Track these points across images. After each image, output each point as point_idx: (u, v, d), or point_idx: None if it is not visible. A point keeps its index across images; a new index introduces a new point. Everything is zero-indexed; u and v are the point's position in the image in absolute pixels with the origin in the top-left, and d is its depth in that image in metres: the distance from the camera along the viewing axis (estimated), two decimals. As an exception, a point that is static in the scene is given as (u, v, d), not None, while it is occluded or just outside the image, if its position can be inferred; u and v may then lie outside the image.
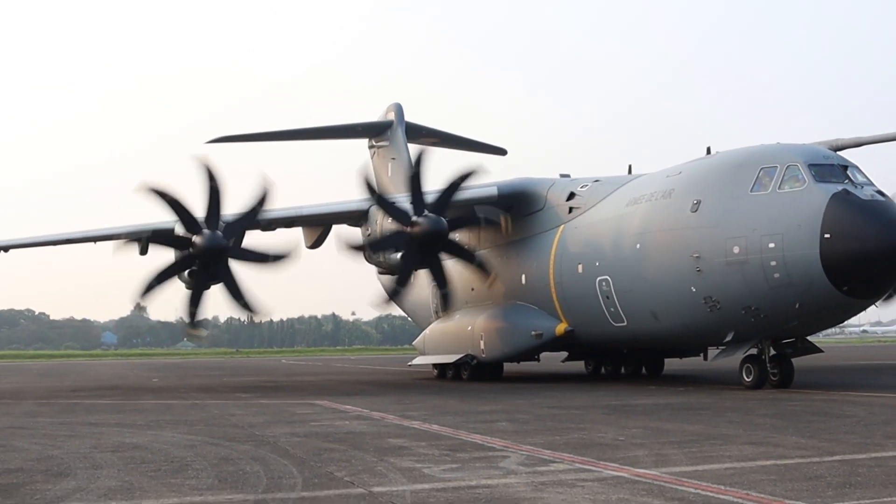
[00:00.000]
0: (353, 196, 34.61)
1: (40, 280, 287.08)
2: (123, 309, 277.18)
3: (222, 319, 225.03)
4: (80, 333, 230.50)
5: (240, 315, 40.70)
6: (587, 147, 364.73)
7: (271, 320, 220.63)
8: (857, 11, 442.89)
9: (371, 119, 51.85)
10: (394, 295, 35.12)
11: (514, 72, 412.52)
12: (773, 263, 24.89)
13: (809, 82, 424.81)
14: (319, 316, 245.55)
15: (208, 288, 32.26)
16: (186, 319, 32.67)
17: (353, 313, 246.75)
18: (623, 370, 38.83)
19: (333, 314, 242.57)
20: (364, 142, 52.72)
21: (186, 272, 32.03)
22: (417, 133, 50.49)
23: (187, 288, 32.40)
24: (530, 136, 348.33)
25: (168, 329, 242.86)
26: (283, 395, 30.61)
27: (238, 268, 32.27)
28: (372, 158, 51.95)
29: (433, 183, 33.26)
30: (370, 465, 12.83)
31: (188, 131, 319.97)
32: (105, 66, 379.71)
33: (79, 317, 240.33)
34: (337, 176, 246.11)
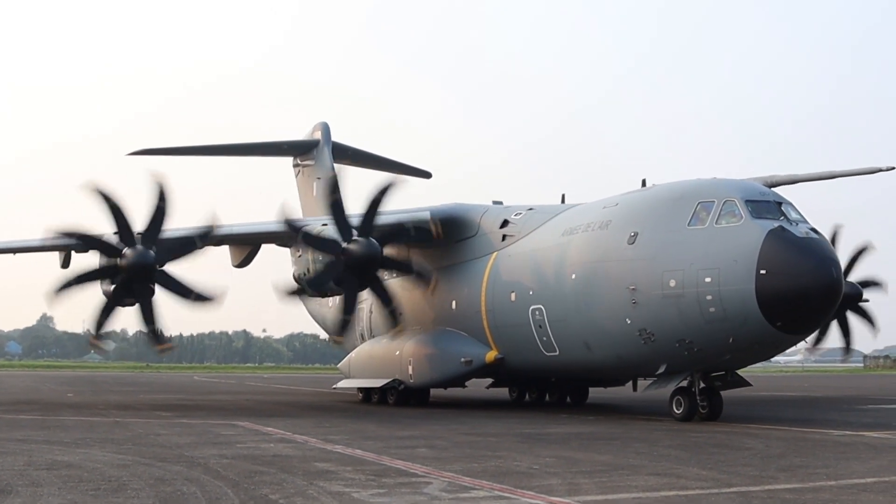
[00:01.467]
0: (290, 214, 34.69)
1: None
2: (29, 318, 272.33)
3: (131, 332, 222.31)
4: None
5: (193, 309, 39.61)
6: (514, 172, 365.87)
7: (181, 334, 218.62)
8: (796, 44, 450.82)
9: (296, 137, 51.77)
10: (343, 326, 33.71)
11: (439, 92, 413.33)
12: (708, 297, 25.14)
13: (741, 115, 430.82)
14: (230, 332, 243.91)
15: (124, 305, 32.02)
16: (93, 329, 32.15)
17: (264, 330, 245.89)
18: (547, 398, 39.03)
19: (245, 330, 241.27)
20: (289, 160, 52.57)
21: (108, 282, 31.83)
22: (343, 153, 50.25)
23: (105, 296, 31.99)
24: (455, 159, 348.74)
25: (75, 340, 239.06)
26: (203, 414, 30.72)
27: (158, 292, 31.96)
28: (297, 177, 51.82)
29: (357, 205, 33.11)
30: (301, 489, 13.44)
31: (106, 137, 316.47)
32: (22, 64, 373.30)
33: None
34: (258, 191, 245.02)
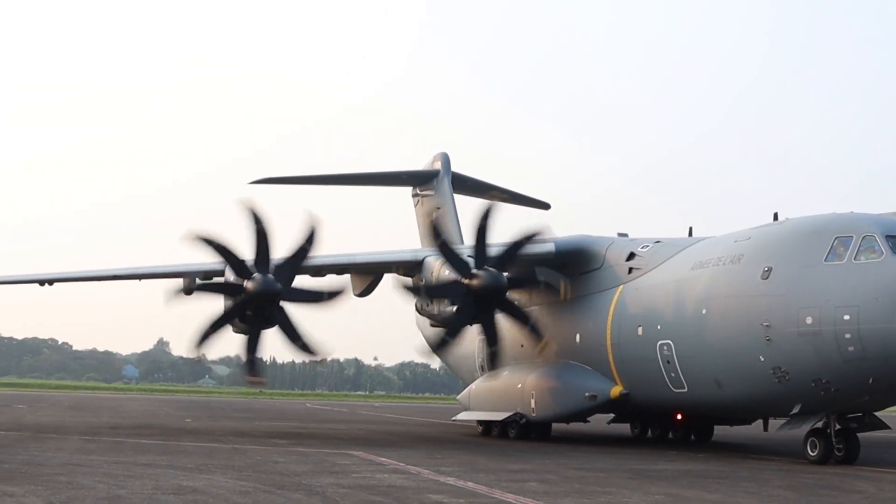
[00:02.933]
0: (399, 245, 35.34)
1: (64, 310, 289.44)
2: (146, 342, 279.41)
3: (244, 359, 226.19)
4: (101, 365, 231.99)
5: (297, 357, 40.26)
6: (634, 204, 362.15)
7: (293, 361, 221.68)
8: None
9: (415, 167, 52.06)
10: (441, 346, 34.41)
11: (553, 123, 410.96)
12: (847, 336, 24.24)
13: (875, 145, 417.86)
14: (342, 360, 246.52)
15: (262, 331, 32.24)
16: (198, 339, 32.15)
17: (376, 358, 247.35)
18: (671, 435, 37.88)
19: (356, 358, 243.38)
20: (407, 190, 52.86)
21: (230, 301, 32.03)
22: (462, 184, 50.33)
23: (239, 333, 32.37)
24: (572, 190, 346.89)
25: (189, 365, 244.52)
26: (318, 443, 31.11)
27: (292, 309, 32.27)
28: (415, 207, 52.06)
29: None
30: None
31: (228, 167, 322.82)
32: (146, 99, 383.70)
33: (101, 348, 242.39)
34: (375, 222, 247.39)
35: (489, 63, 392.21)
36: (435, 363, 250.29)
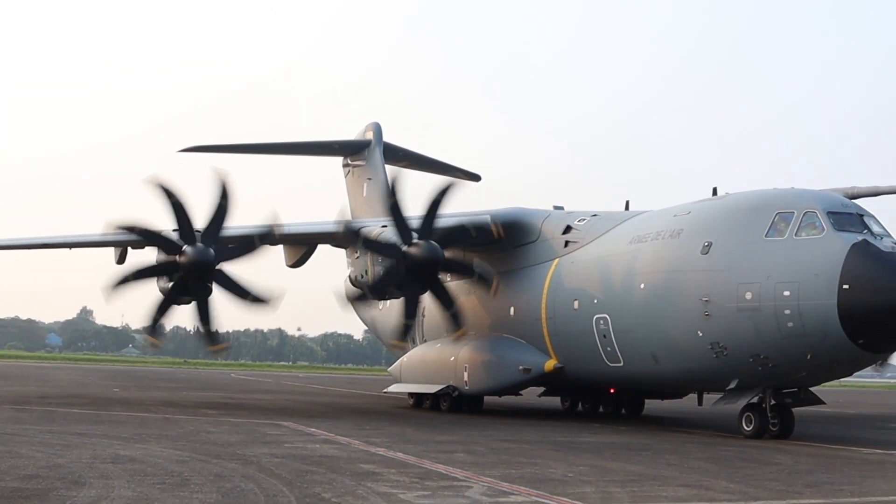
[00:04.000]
0: (331, 216, 34.55)
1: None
2: (69, 311, 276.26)
3: (168, 328, 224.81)
4: (24, 334, 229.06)
5: (248, 312, 39.57)
6: (567, 177, 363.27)
7: (216, 331, 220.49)
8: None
9: (347, 137, 51.55)
10: (406, 331, 32.91)
11: (485, 94, 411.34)
12: (787, 312, 24.33)
13: (815, 121, 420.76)
14: (265, 330, 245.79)
15: (179, 303, 32.16)
16: (150, 326, 32.33)
17: (299, 329, 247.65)
18: (601, 409, 37.67)
19: (279, 329, 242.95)
20: (339, 160, 52.27)
21: (165, 279, 31.77)
22: (394, 154, 49.98)
23: (161, 293, 32.06)
24: (503, 162, 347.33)
25: (113, 334, 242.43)
26: (247, 414, 31.20)
27: (231, 268, 31.90)
28: (346, 177, 51.63)
29: (412, 207, 32.63)
30: (351, 489, 14.10)
31: (153, 136, 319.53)
32: (73, 59, 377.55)
33: (24, 317, 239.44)
34: (308, 190, 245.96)
35: (421, 32, 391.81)
36: (357, 334, 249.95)
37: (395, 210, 31.86)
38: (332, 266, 40.71)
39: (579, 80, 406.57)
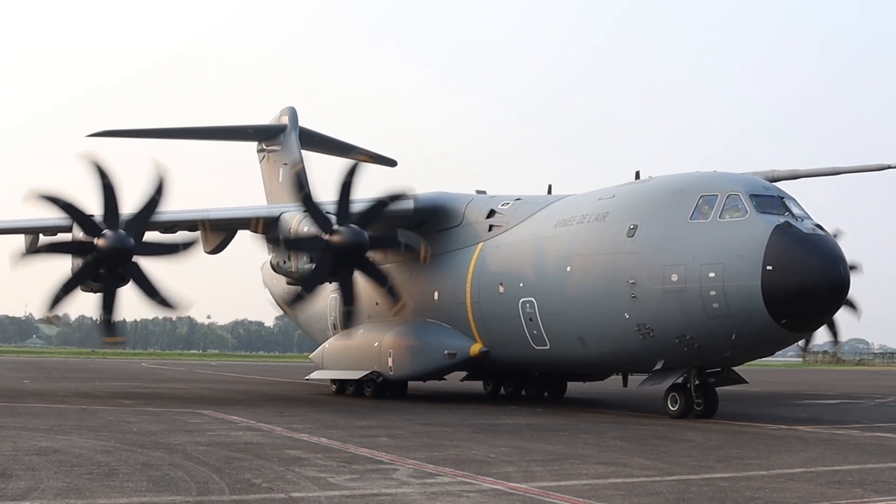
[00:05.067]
0: (245, 201, 34.36)
1: None
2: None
3: (73, 317, 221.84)
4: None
5: (156, 313, 38.11)
6: (486, 161, 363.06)
7: (125, 319, 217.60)
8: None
9: (262, 122, 50.58)
10: (296, 301, 33.05)
11: (404, 76, 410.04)
12: (712, 293, 24.64)
13: (735, 105, 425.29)
14: (174, 318, 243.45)
15: (86, 288, 31.33)
16: (49, 303, 30.77)
17: (209, 317, 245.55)
18: (524, 392, 38.03)
19: (189, 317, 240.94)
20: (253, 145, 51.53)
21: (79, 260, 30.91)
22: (310, 139, 49.30)
23: (91, 292, 31.37)
24: (421, 147, 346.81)
25: (16, 324, 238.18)
26: (165, 403, 30.94)
27: (147, 264, 31.23)
28: (261, 162, 50.84)
29: (324, 192, 32.26)
30: (280, 474, 14.23)
31: (59, 116, 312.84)
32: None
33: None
34: (224, 175, 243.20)
35: (336, 8, 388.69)
36: (268, 321, 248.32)
37: (307, 201, 31.60)
38: (243, 252, 40.37)
39: (498, 59, 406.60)
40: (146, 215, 30.79)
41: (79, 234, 30.96)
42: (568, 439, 21.01)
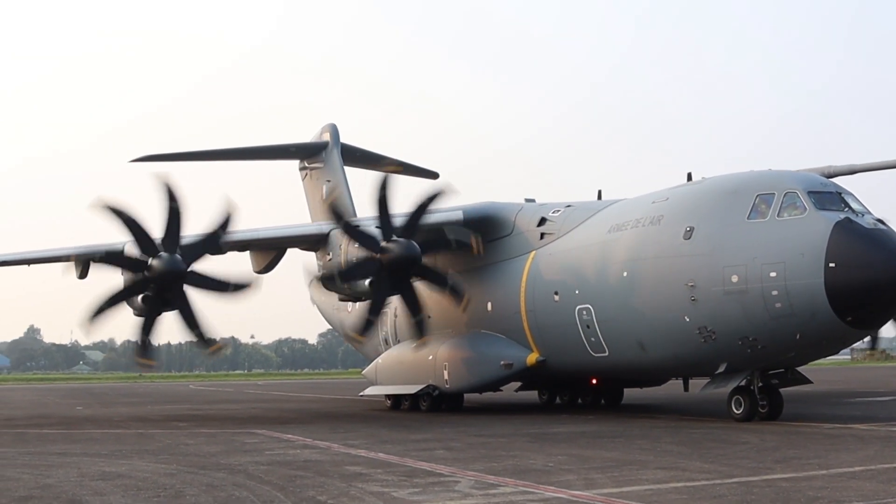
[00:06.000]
0: (290, 219, 34.18)
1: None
2: (16, 331, 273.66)
3: (119, 342, 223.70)
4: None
5: (193, 344, 38.22)
6: (527, 169, 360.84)
7: (169, 343, 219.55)
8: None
9: (303, 140, 50.70)
10: (367, 328, 32.01)
11: (442, 78, 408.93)
12: (774, 293, 24.34)
13: (784, 103, 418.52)
14: (218, 339, 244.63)
15: (161, 314, 30.92)
16: (139, 348, 31.11)
17: (252, 336, 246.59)
18: (580, 400, 37.54)
19: (233, 337, 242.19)
20: (295, 163, 51.58)
21: (139, 297, 30.63)
22: (351, 155, 49.45)
23: (136, 314, 31.01)
24: (459, 158, 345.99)
25: (63, 352, 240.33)
26: (219, 424, 31.12)
27: (194, 294, 30.95)
28: (303, 180, 50.99)
29: (364, 208, 32.23)
30: (344, 490, 14.36)
31: (101, 144, 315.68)
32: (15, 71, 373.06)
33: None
34: (263, 196, 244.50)
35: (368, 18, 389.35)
36: (312, 338, 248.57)
37: (381, 204, 31.28)
38: (286, 272, 40.32)
39: (538, 58, 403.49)
40: (205, 246, 30.72)
41: (126, 274, 30.92)
42: (624, 445, 21.02)
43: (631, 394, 39.36)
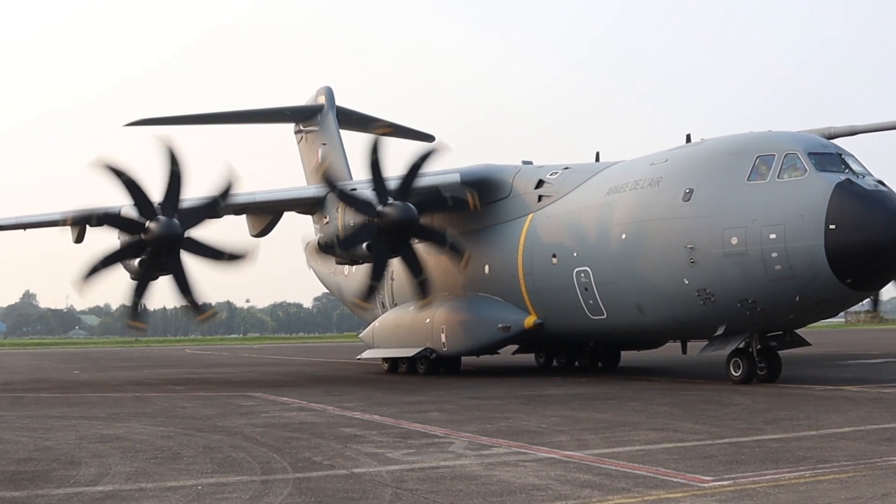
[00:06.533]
0: (285, 182, 33.85)
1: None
2: (12, 296, 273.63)
3: (114, 307, 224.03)
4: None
5: (183, 309, 37.96)
6: (522, 130, 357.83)
7: (164, 307, 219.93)
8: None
9: (298, 102, 50.64)
10: (370, 293, 32.31)
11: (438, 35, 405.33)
12: (774, 255, 24.13)
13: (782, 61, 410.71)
14: (213, 303, 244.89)
15: (156, 279, 30.96)
16: (130, 311, 31.31)
17: (248, 300, 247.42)
18: (577, 363, 37.40)
19: (228, 301, 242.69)
20: (290, 126, 51.49)
21: (136, 261, 30.59)
22: (347, 118, 49.29)
23: (132, 278, 31.05)
24: (457, 120, 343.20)
25: (59, 317, 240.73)
26: (215, 387, 31.29)
27: (189, 261, 30.83)
28: (299, 143, 50.91)
29: (360, 171, 31.90)
30: (339, 451, 14.53)
31: (93, 104, 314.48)
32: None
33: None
34: (259, 159, 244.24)
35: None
36: (307, 302, 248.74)
37: (374, 168, 31.30)
38: (282, 236, 40.25)
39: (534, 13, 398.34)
40: (175, 192, 30.27)
41: (123, 235, 30.88)
42: (616, 407, 21.19)
43: (628, 356, 39.41)
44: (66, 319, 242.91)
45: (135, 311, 31.31)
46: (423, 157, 31.58)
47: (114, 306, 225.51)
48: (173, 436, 17.34)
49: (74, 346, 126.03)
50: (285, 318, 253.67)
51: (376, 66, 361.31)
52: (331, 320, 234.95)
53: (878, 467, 12.27)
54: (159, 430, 18.46)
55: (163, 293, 30.90)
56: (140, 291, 30.76)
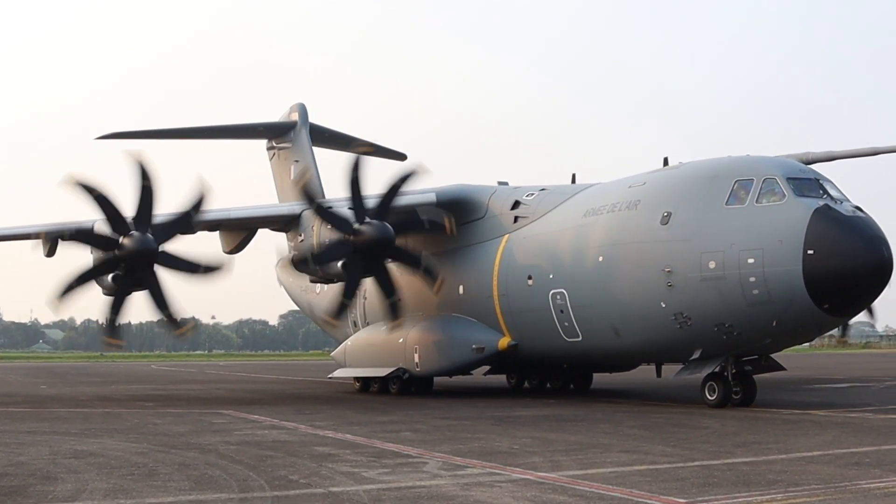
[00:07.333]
0: (260, 198, 33.60)
1: None
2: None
3: (79, 321, 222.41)
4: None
5: (161, 324, 37.56)
6: (493, 152, 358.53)
7: (130, 322, 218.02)
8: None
9: (271, 118, 50.25)
10: (341, 311, 32.31)
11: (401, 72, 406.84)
12: (752, 279, 24.18)
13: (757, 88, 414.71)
14: (178, 319, 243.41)
15: (130, 294, 30.67)
16: (107, 328, 30.79)
17: (213, 317, 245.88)
18: (549, 385, 37.32)
19: (193, 317, 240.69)
20: (262, 143, 51.01)
21: (109, 277, 30.45)
22: (320, 136, 48.89)
23: (105, 293, 30.86)
24: (424, 141, 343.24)
25: (22, 330, 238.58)
26: (185, 404, 31.08)
27: (165, 275, 30.69)
28: (271, 160, 50.54)
29: (335, 189, 31.93)
30: (314, 470, 14.53)
31: (65, 116, 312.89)
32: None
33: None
34: (230, 175, 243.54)
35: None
36: (273, 320, 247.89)
37: (354, 186, 31.16)
38: (249, 253, 39.92)
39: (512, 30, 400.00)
40: (148, 207, 30.01)
41: (97, 252, 30.62)
42: (587, 429, 21.33)
43: (601, 379, 39.46)
44: (29, 333, 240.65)
45: (111, 327, 30.90)
46: (404, 179, 31.48)
47: (78, 320, 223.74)
48: (147, 452, 17.34)
49: (39, 360, 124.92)
50: (251, 334, 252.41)
51: (351, 80, 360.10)
52: (297, 338, 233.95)
53: (848, 490, 12.51)
54: (133, 446, 18.43)
55: (128, 309, 30.43)
56: (116, 308, 30.52)
